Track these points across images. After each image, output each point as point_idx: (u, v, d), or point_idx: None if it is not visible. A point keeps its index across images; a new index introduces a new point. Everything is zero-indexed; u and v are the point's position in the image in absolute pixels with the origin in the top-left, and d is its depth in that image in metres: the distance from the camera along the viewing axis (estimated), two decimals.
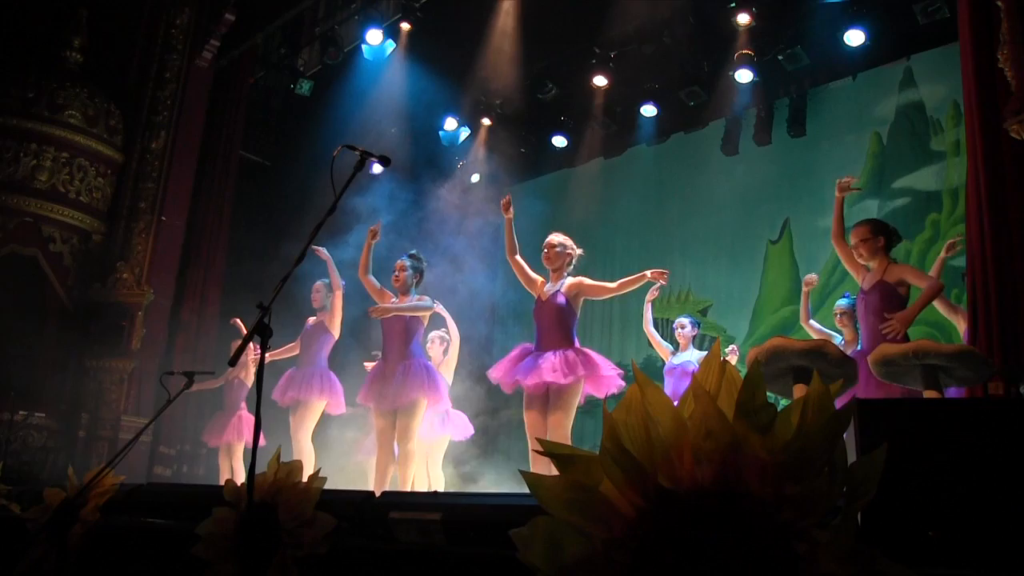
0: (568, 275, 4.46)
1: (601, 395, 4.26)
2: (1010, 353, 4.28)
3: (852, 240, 4.10)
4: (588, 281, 4.41)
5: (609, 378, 4.23)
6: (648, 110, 8.81)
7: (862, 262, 4.08)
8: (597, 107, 9.06)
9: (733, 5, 7.59)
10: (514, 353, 4.42)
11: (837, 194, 4.19)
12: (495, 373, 4.42)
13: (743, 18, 7.58)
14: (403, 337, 4.77)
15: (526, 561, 1.20)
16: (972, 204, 4.72)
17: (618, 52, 8.36)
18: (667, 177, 9.35)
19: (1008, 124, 4.26)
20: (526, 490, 1.24)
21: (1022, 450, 1.68)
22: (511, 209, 4.55)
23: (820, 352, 3.36)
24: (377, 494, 2.71)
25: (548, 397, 4.20)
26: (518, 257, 4.51)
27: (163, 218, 7.88)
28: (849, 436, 1.72)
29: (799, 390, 3.39)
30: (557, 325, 4.29)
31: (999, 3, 4.48)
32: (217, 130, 8.61)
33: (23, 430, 6.77)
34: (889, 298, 3.88)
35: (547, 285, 4.44)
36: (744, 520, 1.10)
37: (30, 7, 7.90)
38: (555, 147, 9.68)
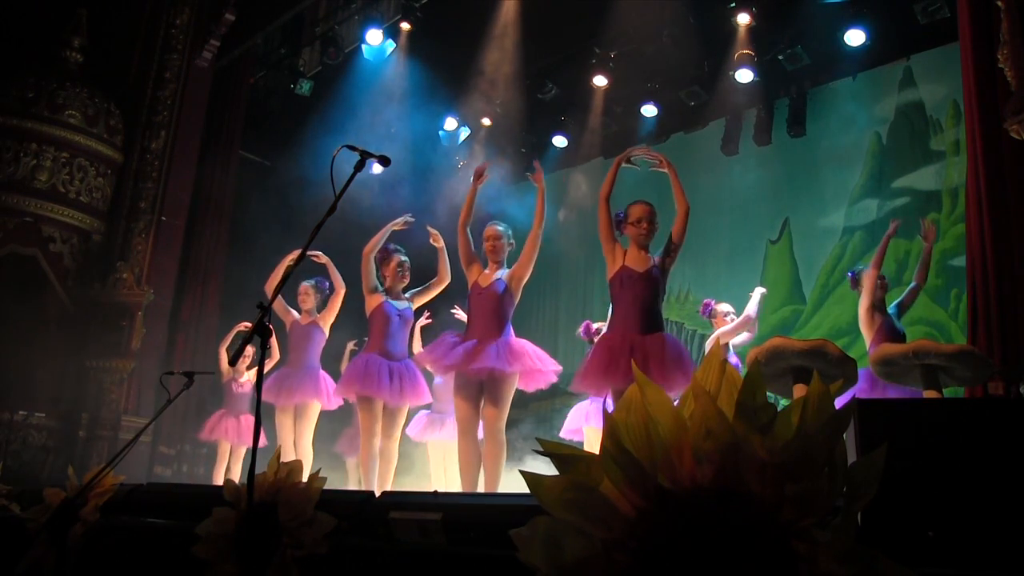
0: (505, 264, 4.32)
1: (531, 389, 4.15)
2: (1010, 353, 4.29)
3: (637, 215, 3.99)
4: (516, 267, 4.26)
5: (544, 373, 4.09)
6: (648, 110, 8.82)
7: (642, 241, 3.93)
8: (597, 107, 9.06)
9: (733, 5, 7.59)
10: (446, 339, 4.21)
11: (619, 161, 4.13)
12: (427, 357, 4.21)
13: (743, 18, 7.58)
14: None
15: (526, 561, 1.20)
16: (972, 204, 4.72)
17: (618, 52, 8.37)
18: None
19: (1008, 124, 4.26)
20: (526, 490, 1.24)
21: (1022, 450, 1.68)
22: (483, 179, 4.45)
23: (820, 352, 3.37)
24: (378, 493, 2.71)
25: (483, 387, 4.05)
26: (468, 231, 4.36)
27: (163, 218, 7.88)
28: (849, 436, 1.73)
29: (799, 390, 3.40)
30: (495, 314, 4.12)
31: (999, 3, 4.48)
32: (217, 130, 8.61)
33: (23, 430, 6.76)
34: (658, 287, 3.83)
35: (486, 272, 4.26)
36: (744, 520, 1.10)
37: (30, 7, 7.89)
38: (555, 147, 9.68)
